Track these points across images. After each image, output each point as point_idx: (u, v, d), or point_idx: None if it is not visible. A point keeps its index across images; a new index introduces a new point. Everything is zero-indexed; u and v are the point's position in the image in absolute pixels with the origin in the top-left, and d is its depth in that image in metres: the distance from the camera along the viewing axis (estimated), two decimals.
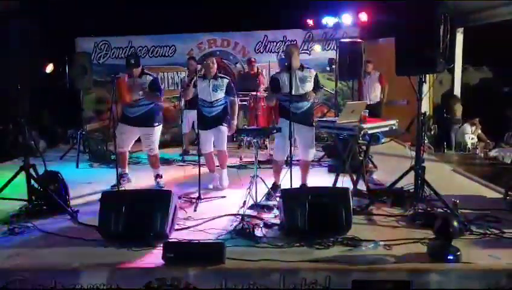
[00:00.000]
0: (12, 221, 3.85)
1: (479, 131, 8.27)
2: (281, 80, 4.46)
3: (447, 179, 5.41)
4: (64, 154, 7.11)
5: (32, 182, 4.16)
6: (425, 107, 8.76)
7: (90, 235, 3.52)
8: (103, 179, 5.43)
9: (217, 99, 4.88)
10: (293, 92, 4.25)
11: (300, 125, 4.41)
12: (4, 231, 3.65)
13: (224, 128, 4.96)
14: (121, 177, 5.07)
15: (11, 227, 3.70)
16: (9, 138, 7.62)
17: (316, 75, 4.56)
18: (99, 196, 3.65)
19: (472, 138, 8.16)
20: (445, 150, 7.68)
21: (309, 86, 4.45)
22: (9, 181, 4.08)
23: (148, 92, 4.85)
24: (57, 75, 6.92)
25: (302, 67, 4.48)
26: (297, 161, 4.83)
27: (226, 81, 4.91)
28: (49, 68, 7.01)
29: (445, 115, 8.74)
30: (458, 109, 8.89)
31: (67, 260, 3.09)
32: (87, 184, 5.31)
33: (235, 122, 5.00)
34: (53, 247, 3.40)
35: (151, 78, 4.93)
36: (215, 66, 4.94)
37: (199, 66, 6.68)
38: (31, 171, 4.14)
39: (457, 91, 9.25)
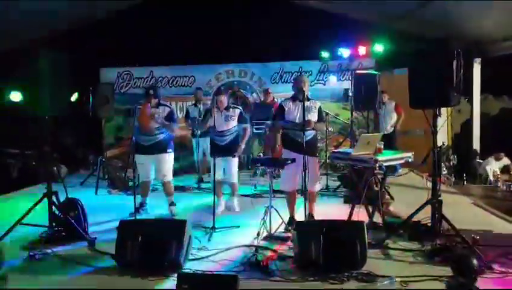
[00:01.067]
0: (33, 247, 3.96)
1: (507, 163, 8.03)
2: (286, 107, 4.55)
3: (467, 212, 5.28)
4: (85, 180, 7.30)
5: (54, 208, 4.28)
6: (444, 137, 8.69)
7: (107, 263, 3.59)
8: (121, 206, 5.54)
9: (228, 129, 5.14)
10: (298, 121, 4.37)
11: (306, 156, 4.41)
12: (25, 257, 3.75)
13: (235, 160, 5.20)
14: (140, 205, 5.19)
15: (32, 253, 3.80)
16: (34, 164, 7.88)
17: (320, 107, 4.67)
18: (116, 223, 3.72)
19: (494, 170, 7.97)
20: (465, 182, 7.52)
21: (313, 116, 4.53)
22: (32, 207, 4.21)
23: (166, 123, 5.03)
24: (81, 103, 7.18)
25: (308, 98, 4.58)
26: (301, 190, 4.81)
27: (237, 111, 5.23)
28: (74, 97, 7.31)
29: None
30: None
31: (83, 287, 3.14)
32: (105, 211, 5.41)
33: (242, 145, 5.31)
34: (70, 274, 3.47)
35: (168, 109, 5.14)
36: (226, 99, 5.25)
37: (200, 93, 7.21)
38: (53, 198, 4.26)
39: (476, 121, 9.15)
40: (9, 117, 7.11)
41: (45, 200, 4.26)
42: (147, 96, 4.98)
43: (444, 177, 7.32)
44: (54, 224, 4.26)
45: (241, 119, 5.22)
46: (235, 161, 5.22)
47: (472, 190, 6.93)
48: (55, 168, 7.03)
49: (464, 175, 7.53)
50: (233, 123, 5.18)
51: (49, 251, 3.89)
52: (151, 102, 4.99)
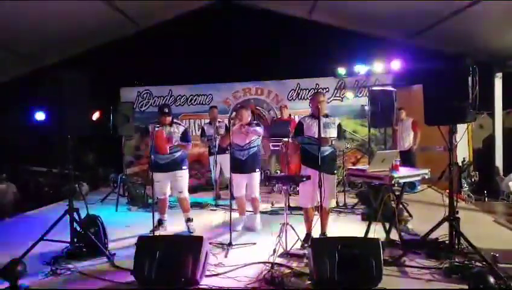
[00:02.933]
0: (55, 262, 4.09)
1: None
2: (305, 123, 4.60)
3: (488, 230, 5.16)
4: (105, 198, 7.47)
5: (75, 224, 4.41)
6: (465, 153, 8.54)
7: (125, 278, 3.68)
8: (140, 223, 5.64)
9: (248, 143, 5.14)
10: (316, 136, 4.35)
11: (322, 173, 4.40)
12: (47, 272, 3.87)
13: (257, 175, 5.19)
14: (159, 223, 5.28)
15: (54, 268, 3.93)
16: (56, 182, 8.14)
17: (340, 124, 4.67)
18: (135, 239, 3.81)
19: None
20: (487, 199, 7.35)
21: (333, 132, 4.55)
22: (54, 224, 4.34)
23: (181, 144, 5.16)
24: (102, 122, 7.40)
25: (326, 115, 4.62)
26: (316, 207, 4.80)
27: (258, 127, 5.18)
28: (96, 116, 7.55)
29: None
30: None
31: None
32: (125, 228, 5.53)
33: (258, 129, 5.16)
34: (89, 289, 3.56)
35: (182, 128, 5.25)
36: (248, 113, 5.22)
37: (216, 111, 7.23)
38: (75, 214, 4.40)
39: (498, 136, 8.97)
40: (36, 137, 7.39)
41: (67, 216, 4.39)
42: (161, 115, 5.09)
43: (464, 194, 7.19)
44: (75, 240, 4.38)
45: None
46: (257, 176, 5.21)
47: (494, 207, 6.77)
48: (77, 186, 7.28)
49: (485, 192, 7.37)
50: (253, 137, 5.13)
51: (70, 266, 4.02)
52: (165, 120, 5.09)
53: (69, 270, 3.94)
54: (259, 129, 5.17)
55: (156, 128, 5.00)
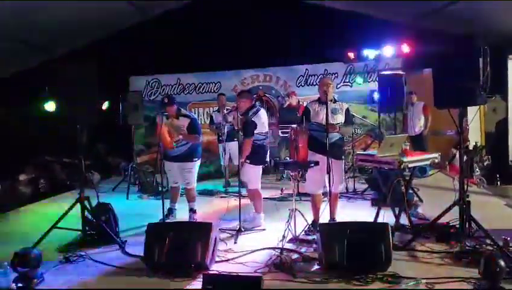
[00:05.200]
0: (68, 250, 4.17)
1: None
2: (312, 109, 4.56)
3: (499, 214, 5.11)
4: (116, 186, 7.56)
5: (86, 213, 4.48)
6: (477, 137, 8.41)
7: (136, 265, 3.74)
8: (151, 210, 5.69)
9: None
10: (323, 123, 4.28)
11: (330, 158, 4.32)
12: (60, 260, 3.95)
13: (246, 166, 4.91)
14: (169, 211, 5.31)
15: (66, 256, 4.00)
16: (67, 171, 8.26)
17: (348, 109, 4.61)
18: (146, 227, 3.85)
19: None
20: (499, 183, 7.26)
21: (340, 118, 4.50)
22: (66, 212, 4.42)
23: (188, 135, 5.04)
24: (112, 111, 7.45)
25: (334, 100, 4.55)
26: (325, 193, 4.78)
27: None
28: (105, 105, 7.59)
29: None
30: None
31: (114, 287, 3.29)
32: (135, 215, 5.60)
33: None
34: (101, 276, 3.63)
35: (188, 120, 5.09)
36: (244, 101, 4.94)
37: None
38: (86, 203, 4.46)
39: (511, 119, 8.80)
40: (47, 127, 7.48)
41: (78, 205, 4.45)
42: (163, 106, 5.01)
43: (476, 178, 7.10)
44: (86, 228, 4.45)
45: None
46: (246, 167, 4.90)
47: (506, 191, 6.68)
48: (88, 175, 7.37)
49: (498, 176, 7.27)
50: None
51: (82, 253, 4.09)
52: (169, 111, 5.01)
53: (81, 258, 4.00)
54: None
55: (164, 122, 4.95)
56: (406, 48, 7.64)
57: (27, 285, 3.30)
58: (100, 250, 4.21)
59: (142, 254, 3.72)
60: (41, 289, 3.36)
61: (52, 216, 4.60)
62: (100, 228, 4.38)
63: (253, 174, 4.86)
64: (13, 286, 3.27)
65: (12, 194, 7.35)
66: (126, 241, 4.42)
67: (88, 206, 4.48)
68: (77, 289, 3.38)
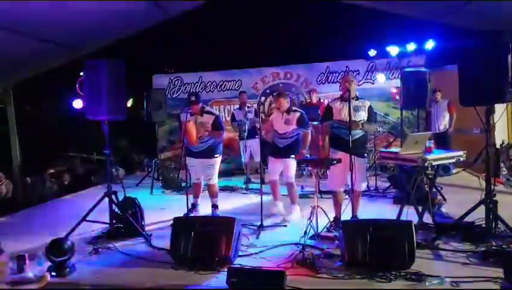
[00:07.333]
0: (96, 242, 4.32)
1: None
2: (334, 107, 4.56)
3: None
4: (140, 181, 7.74)
5: (113, 206, 4.62)
6: (504, 135, 8.21)
7: (162, 258, 3.84)
8: (175, 205, 5.82)
9: (286, 132, 5.08)
10: (346, 120, 4.27)
11: (352, 156, 4.30)
12: (90, 251, 4.10)
13: (292, 161, 5.10)
14: (193, 206, 5.40)
15: (95, 247, 4.15)
16: (94, 167, 8.50)
17: (370, 106, 4.56)
18: (171, 221, 3.97)
19: None
20: None
21: (363, 115, 4.47)
22: (94, 206, 4.57)
23: (212, 131, 5.13)
24: (136, 109, 7.63)
25: (356, 97, 4.55)
26: (347, 191, 4.77)
27: (297, 114, 5.08)
28: (130, 103, 7.78)
29: None
30: None
31: (141, 280, 3.40)
32: (160, 210, 5.72)
33: (304, 151, 5.13)
34: (129, 267, 3.75)
35: (213, 117, 5.18)
36: (287, 100, 5.17)
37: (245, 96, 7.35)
38: (113, 197, 4.60)
39: None
40: (74, 125, 7.72)
41: (106, 199, 4.60)
42: (190, 103, 5.07)
43: (503, 178, 6.94)
44: (114, 221, 4.60)
45: (301, 123, 5.08)
46: (292, 162, 5.11)
47: None
48: (114, 170, 7.56)
49: None
50: (292, 127, 5.05)
51: (110, 245, 4.23)
52: (194, 109, 5.07)
53: (109, 250, 4.15)
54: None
55: (188, 119, 5.00)
56: (429, 44, 7.52)
57: (60, 274, 3.45)
58: (127, 243, 4.35)
59: (166, 247, 3.83)
60: (73, 278, 3.49)
61: (79, 210, 4.76)
62: (127, 222, 4.52)
63: (294, 167, 5.17)
64: (47, 274, 3.42)
65: (40, 187, 7.64)
66: (151, 234, 4.54)
67: (115, 200, 4.62)
68: (107, 279, 3.50)
